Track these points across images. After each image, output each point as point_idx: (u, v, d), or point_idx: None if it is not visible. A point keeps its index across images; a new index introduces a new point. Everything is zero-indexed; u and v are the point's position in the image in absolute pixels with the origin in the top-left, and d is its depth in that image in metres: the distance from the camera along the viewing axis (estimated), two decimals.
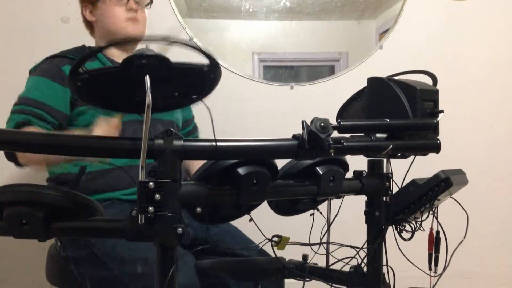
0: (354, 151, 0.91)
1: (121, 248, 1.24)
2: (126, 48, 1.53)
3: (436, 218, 1.07)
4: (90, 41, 1.59)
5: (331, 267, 1.14)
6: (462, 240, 1.05)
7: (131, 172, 1.39)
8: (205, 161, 0.87)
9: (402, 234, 1.07)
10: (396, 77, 1.04)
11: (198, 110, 1.76)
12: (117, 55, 1.52)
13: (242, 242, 1.38)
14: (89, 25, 1.57)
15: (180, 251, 0.80)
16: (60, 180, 1.43)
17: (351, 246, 1.07)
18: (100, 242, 1.27)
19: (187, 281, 1.18)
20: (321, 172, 0.95)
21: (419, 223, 1.07)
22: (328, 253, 1.12)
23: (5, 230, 0.79)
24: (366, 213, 1.09)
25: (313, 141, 0.81)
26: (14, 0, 1.95)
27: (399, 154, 1.01)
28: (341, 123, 0.87)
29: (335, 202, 1.08)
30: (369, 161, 1.08)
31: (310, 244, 1.06)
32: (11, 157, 1.36)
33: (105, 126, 1.27)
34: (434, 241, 1.08)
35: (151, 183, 0.75)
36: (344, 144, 0.87)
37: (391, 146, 0.91)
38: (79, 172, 1.39)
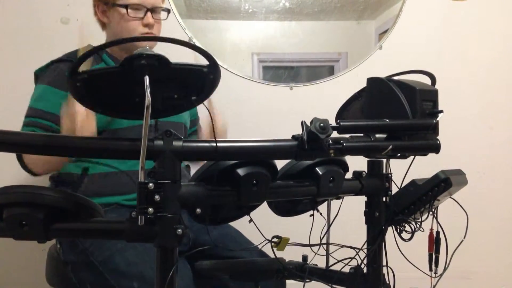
0: (354, 151, 0.91)
1: (119, 260, 1.23)
2: (130, 50, 1.49)
3: (436, 218, 1.06)
4: (90, 42, 1.58)
5: (331, 268, 1.13)
6: (462, 240, 1.05)
7: (134, 177, 1.38)
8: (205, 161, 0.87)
9: (402, 235, 1.07)
10: (395, 77, 1.04)
11: (198, 110, 1.76)
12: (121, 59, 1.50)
13: (242, 245, 1.38)
14: (100, 21, 1.55)
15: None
16: (61, 179, 1.43)
17: (351, 247, 1.07)
18: (98, 251, 1.26)
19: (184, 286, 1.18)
20: (320, 173, 0.95)
21: (419, 223, 1.07)
22: (328, 254, 1.12)
23: (5, 232, 0.79)
24: (365, 213, 1.09)
25: (312, 141, 0.81)
26: (13, 1, 1.95)
27: (399, 155, 1.01)
28: (341, 123, 0.87)
29: (335, 203, 1.08)
30: (368, 162, 1.08)
31: (310, 245, 1.06)
32: (24, 167, 1.38)
33: (68, 117, 1.23)
34: (434, 242, 1.08)
35: (150, 184, 0.75)
36: (344, 144, 0.87)
37: (390, 147, 0.91)
38: (81, 174, 1.39)
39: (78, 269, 1.30)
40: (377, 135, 0.92)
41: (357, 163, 1.04)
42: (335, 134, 0.84)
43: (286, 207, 1.09)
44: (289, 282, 1.27)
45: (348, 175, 1.05)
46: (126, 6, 1.44)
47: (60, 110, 1.37)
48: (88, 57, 0.77)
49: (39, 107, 1.40)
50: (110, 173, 1.40)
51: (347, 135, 0.91)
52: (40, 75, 1.48)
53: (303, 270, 1.14)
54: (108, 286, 1.23)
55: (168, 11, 1.56)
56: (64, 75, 1.41)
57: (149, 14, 1.47)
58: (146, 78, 0.72)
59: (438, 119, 0.95)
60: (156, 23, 1.50)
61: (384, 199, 1.07)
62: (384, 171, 1.07)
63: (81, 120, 1.21)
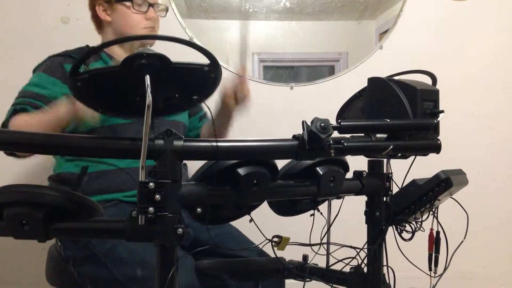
0: (354, 151, 0.91)
1: (121, 249, 1.24)
2: (132, 49, 1.52)
3: (436, 218, 1.06)
4: (91, 42, 1.58)
5: (332, 267, 1.13)
6: (463, 241, 1.05)
7: (134, 174, 1.38)
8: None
9: (402, 235, 1.07)
10: (396, 77, 1.04)
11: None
12: (123, 57, 1.50)
13: (243, 244, 1.38)
14: (98, 22, 1.56)
15: (179, 253, 0.80)
16: (61, 179, 1.43)
17: (351, 247, 1.07)
18: (100, 243, 1.27)
19: (187, 283, 1.18)
20: (321, 173, 0.95)
21: (419, 223, 1.07)
22: (328, 254, 1.12)
23: (5, 231, 0.79)
24: (366, 213, 1.09)
25: (313, 141, 0.81)
26: (14, 0, 1.95)
27: (399, 155, 1.01)
28: (341, 123, 0.87)
29: (335, 203, 1.08)
30: (369, 161, 1.08)
31: (310, 245, 1.06)
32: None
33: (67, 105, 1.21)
34: (434, 242, 1.08)
35: (151, 184, 0.75)
36: (344, 144, 0.87)
37: (391, 147, 0.91)
38: (81, 172, 1.39)
39: (80, 264, 1.31)
40: (377, 135, 0.92)
41: (357, 163, 1.04)
42: (335, 134, 0.84)
43: (286, 207, 1.09)
44: (290, 282, 1.27)
45: (349, 175, 1.05)
46: (131, 0, 1.49)
47: (54, 96, 1.35)
48: (89, 56, 0.77)
49: (30, 90, 1.38)
50: (109, 171, 1.40)
51: (347, 135, 0.91)
52: (36, 68, 1.49)
53: (303, 270, 1.14)
54: (111, 277, 1.23)
55: (167, 9, 1.61)
56: (60, 65, 1.42)
57: (151, 8, 1.52)
58: (147, 78, 0.72)
59: (439, 119, 0.95)
60: (158, 19, 1.55)
61: (384, 199, 1.07)
62: (384, 171, 1.07)
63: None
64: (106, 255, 1.25)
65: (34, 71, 1.49)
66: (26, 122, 1.28)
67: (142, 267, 1.20)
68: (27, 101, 1.35)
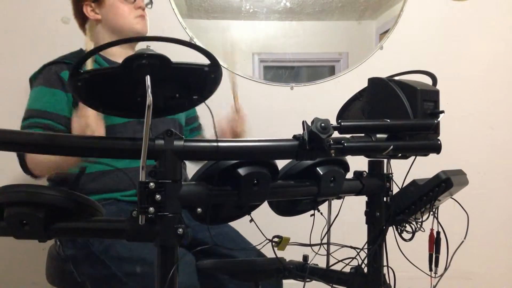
0: (355, 151, 0.91)
1: (119, 247, 1.25)
2: (130, 45, 1.53)
3: (437, 218, 1.06)
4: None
5: (332, 267, 1.13)
6: (463, 241, 1.05)
7: (131, 174, 1.39)
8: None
9: (403, 235, 1.07)
10: (396, 78, 1.04)
11: (198, 110, 1.77)
12: (118, 54, 1.51)
13: (240, 245, 1.38)
14: (84, 25, 1.56)
15: (180, 252, 0.80)
16: (59, 179, 1.43)
17: (351, 247, 1.07)
18: (98, 241, 1.27)
19: (188, 282, 1.18)
20: (321, 173, 0.95)
21: (420, 223, 1.07)
22: (328, 254, 1.12)
23: (5, 231, 0.79)
24: (366, 213, 1.09)
25: (313, 141, 0.81)
26: (14, 0, 1.95)
27: (400, 155, 1.01)
28: (342, 123, 0.87)
29: (336, 203, 1.08)
30: (369, 162, 1.08)
31: (310, 245, 1.06)
32: (26, 169, 1.37)
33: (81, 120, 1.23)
34: (435, 242, 1.08)
35: (151, 184, 0.75)
36: (345, 144, 0.87)
37: (391, 147, 0.91)
38: (79, 173, 1.39)
39: (79, 263, 1.31)
40: (378, 135, 0.92)
41: (358, 163, 1.04)
42: (336, 134, 0.84)
43: (286, 207, 1.09)
44: (290, 282, 1.27)
45: (349, 175, 1.05)
46: None
47: (57, 108, 1.38)
48: (89, 57, 0.77)
49: (37, 107, 1.40)
50: (107, 171, 1.40)
51: (348, 135, 0.91)
52: (34, 79, 1.49)
53: (303, 270, 1.14)
54: (110, 274, 1.24)
55: (151, 1, 1.64)
56: (58, 74, 1.43)
57: None
58: (147, 78, 0.72)
59: (439, 119, 0.95)
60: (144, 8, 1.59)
61: (384, 199, 1.07)
62: (385, 171, 1.07)
63: (91, 123, 1.21)
64: (104, 253, 1.26)
65: (30, 81, 1.50)
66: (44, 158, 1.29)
67: (140, 264, 1.20)
68: (35, 123, 1.36)
